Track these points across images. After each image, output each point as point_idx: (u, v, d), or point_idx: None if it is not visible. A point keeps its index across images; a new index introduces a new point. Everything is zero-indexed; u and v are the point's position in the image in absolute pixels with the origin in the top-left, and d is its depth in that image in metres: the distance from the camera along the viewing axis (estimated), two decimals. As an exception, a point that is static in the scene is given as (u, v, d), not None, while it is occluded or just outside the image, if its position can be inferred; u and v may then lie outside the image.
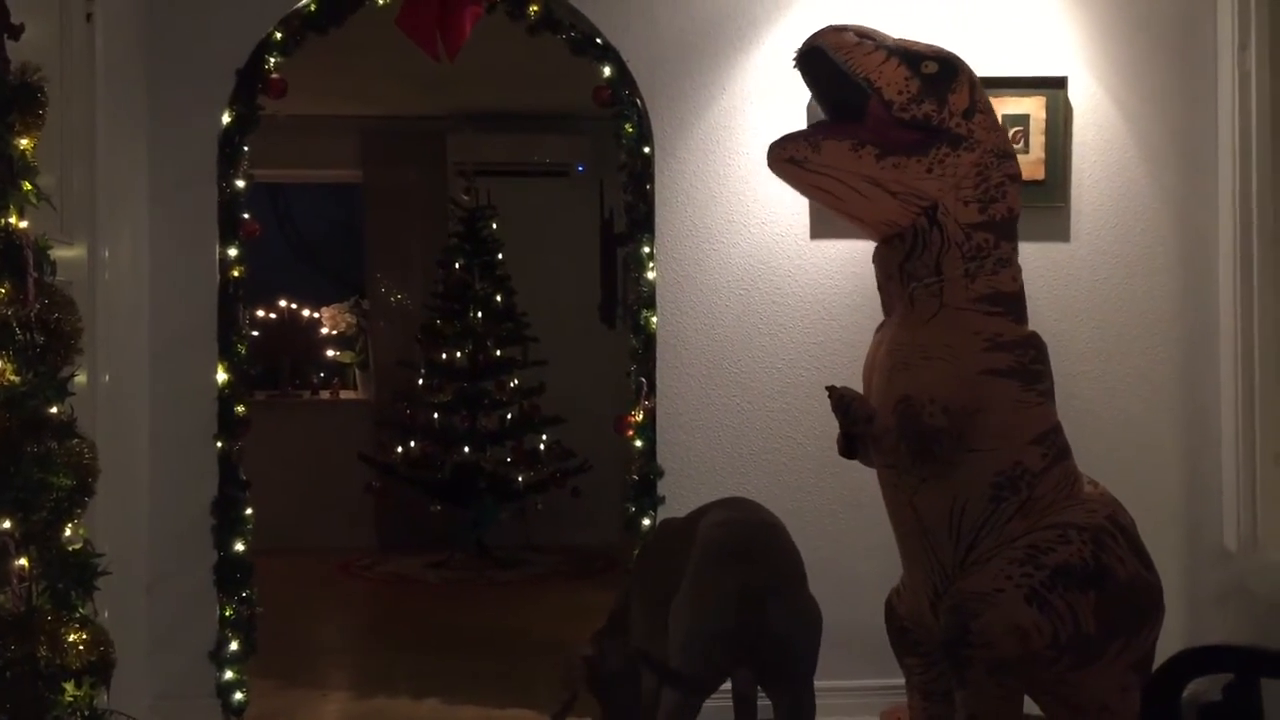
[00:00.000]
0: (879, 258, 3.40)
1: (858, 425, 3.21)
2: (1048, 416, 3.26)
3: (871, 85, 3.21)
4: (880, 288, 3.43)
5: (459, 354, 6.76)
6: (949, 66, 3.27)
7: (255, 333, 6.41)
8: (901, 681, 3.57)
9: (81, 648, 2.08)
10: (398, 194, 7.48)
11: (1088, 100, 4.11)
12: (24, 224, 2.13)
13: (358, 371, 7.88)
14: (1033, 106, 4.08)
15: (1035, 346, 3.28)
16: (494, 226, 6.95)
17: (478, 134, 7.36)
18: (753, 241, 4.05)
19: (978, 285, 3.23)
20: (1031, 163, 4.06)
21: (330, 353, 7.88)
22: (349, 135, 7.48)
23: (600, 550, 6.67)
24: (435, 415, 6.76)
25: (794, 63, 3.33)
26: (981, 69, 4.03)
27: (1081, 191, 4.12)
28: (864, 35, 3.28)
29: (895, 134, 3.21)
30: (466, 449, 6.62)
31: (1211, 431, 4.09)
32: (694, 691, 2.66)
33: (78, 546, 2.15)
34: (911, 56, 3.24)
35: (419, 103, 7.12)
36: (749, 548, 2.67)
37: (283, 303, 8.05)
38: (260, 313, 7.72)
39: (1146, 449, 4.10)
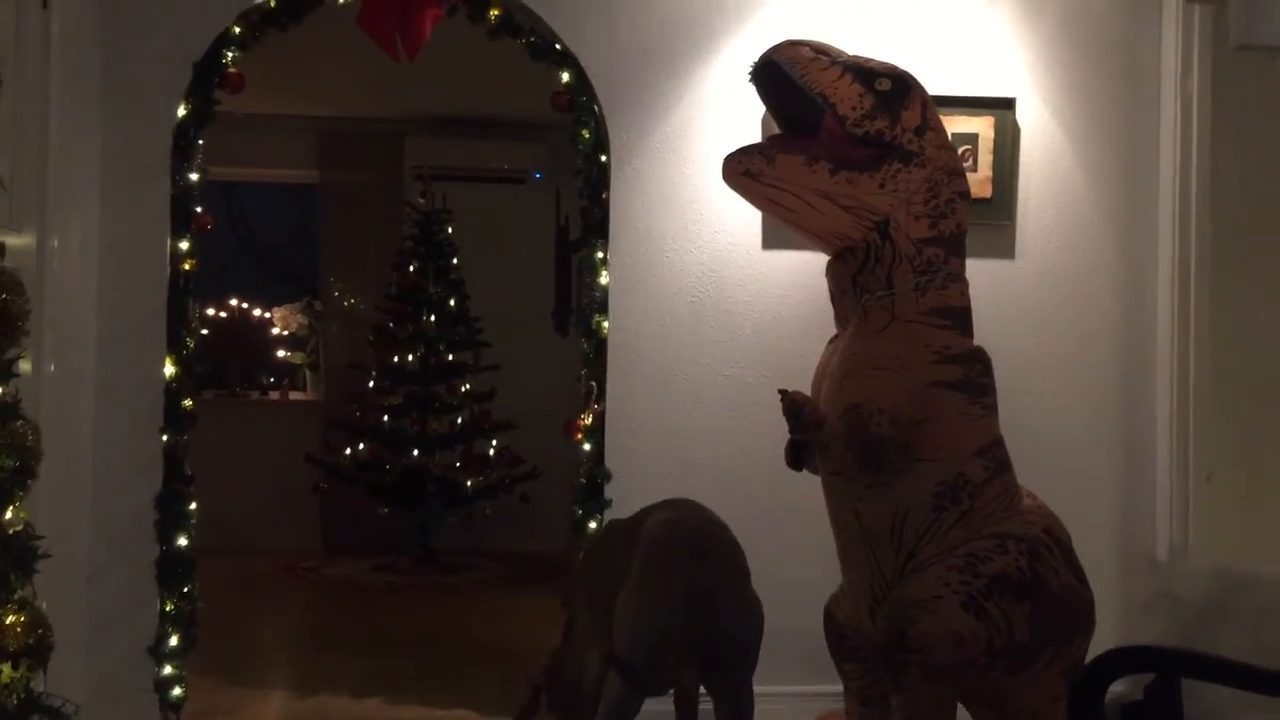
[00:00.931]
0: (831, 271, 3.46)
1: (807, 430, 3.26)
2: (991, 430, 3.32)
3: (826, 100, 3.27)
4: (833, 300, 3.49)
5: (411, 357, 6.76)
6: (902, 84, 3.34)
7: (205, 331, 6.39)
8: (838, 688, 3.62)
9: (19, 630, 2.07)
10: (354, 196, 7.47)
11: (1035, 121, 4.20)
12: (-28, 203, 2.12)
13: (308, 373, 7.84)
14: (982, 126, 4.16)
15: (981, 360, 3.35)
16: (449, 230, 6.96)
17: (436, 138, 7.38)
18: (705, 250, 4.10)
19: (928, 299, 3.30)
20: (979, 181, 4.14)
21: (281, 353, 7.84)
22: (307, 135, 7.46)
23: (548, 557, 6.67)
24: (385, 418, 6.74)
25: (749, 76, 3.39)
26: (932, 88, 4.10)
27: (1027, 210, 4.21)
28: (820, 51, 3.34)
29: (848, 149, 3.27)
30: (416, 452, 6.61)
31: (1146, 448, 4.19)
32: (639, 686, 2.68)
33: (18, 529, 2.14)
34: (866, 73, 3.31)
35: (378, 105, 7.13)
36: (695, 546, 2.71)
37: (234, 302, 7.99)
38: (211, 311, 7.67)
39: (1083, 464, 4.18)
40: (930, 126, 3.35)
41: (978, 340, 3.37)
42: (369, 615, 5.85)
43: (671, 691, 3.06)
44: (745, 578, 2.75)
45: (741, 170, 3.33)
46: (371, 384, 6.86)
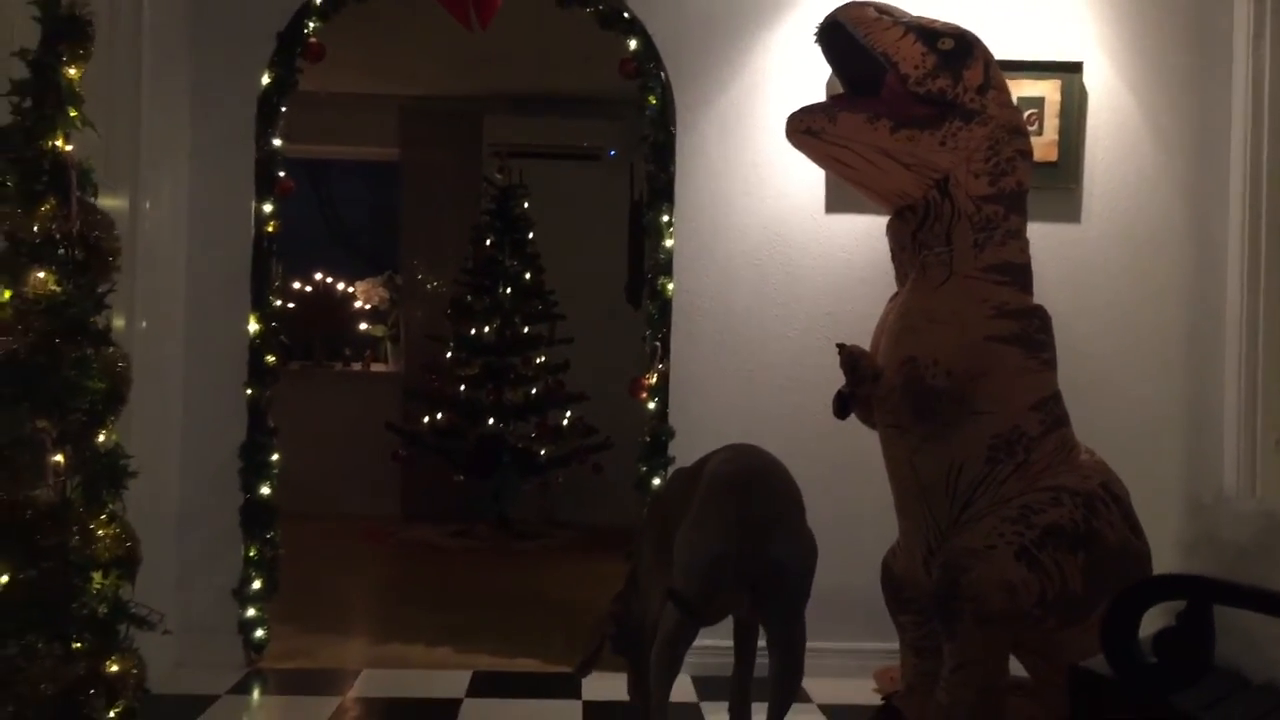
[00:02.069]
0: (892, 229, 3.51)
1: (864, 383, 3.33)
2: (1048, 384, 3.36)
3: (889, 59, 3.33)
4: (894, 258, 3.55)
5: (487, 329, 6.91)
6: (965, 43, 3.38)
7: (290, 305, 6.61)
8: (894, 645, 3.68)
9: (109, 541, 2.23)
10: (433, 173, 7.63)
11: (1102, 85, 4.19)
12: (69, 147, 2.29)
13: (389, 345, 8.05)
14: (1048, 89, 4.16)
15: (1040, 317, 3.38)
16: (525, 206, 7.10)
17: (514, 116, 7.52)
18: (769, 213, 4.17)
19: (986, 255, 3.34)
20: (1045, 145, 4.16)
21: (363, 326, 8.06)
22: (389, 114, 7.64)
23: (620, 528, 6.76)
24: (462, 388, 6.90)
25: (815, 37, 3.46)
26: (999, 52, 4.13)
27: (1094, 174, 4.21)
28: (883, 11, 3.40)
29: (910, 108, 3.32)
30: (491, 422, 6.76)
31: (1214, 413, 4.17)
32: (693, 613, 2.77)
33: (110, 448, 2.30)
34: (929, 33, 3.36)
35: (458, 83, 7.29)
36: (750, 482, 2.79)
37: (319, 276, 8.23)
38: (296, 285, 7.91)
39: (1150, 427, 4.18)
40: (993, 85, 3.39)
41: (1043, 303, 3.41)
42: (444, 574, 6.02)
43: (732, 628, 3.15)
44: (800, 513, 2.82)
45: (804, 128, 3.41)
46: (449, 355, 7.03)
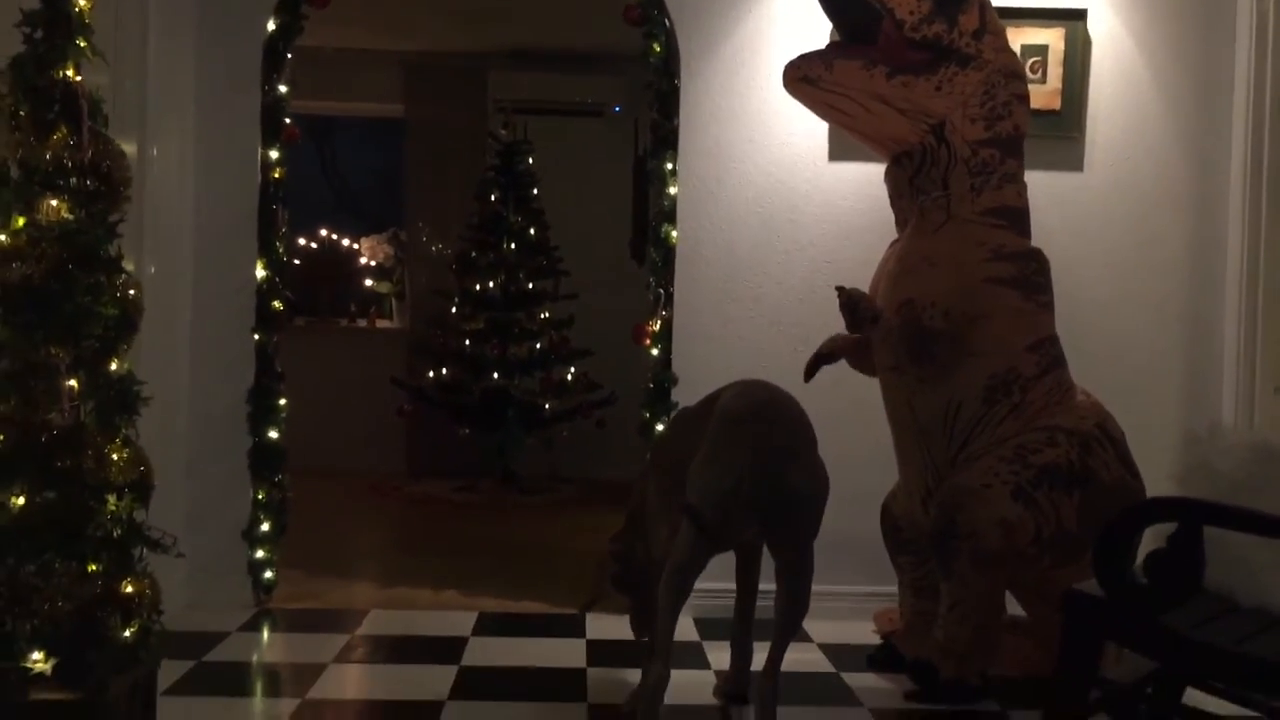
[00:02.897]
0: (890, 175, 3.55)
1: (863, 324, 3.37)
2: (1045, 326, 3.40)
3: (884, 6, 3.35)
4: (892, 204, 3.58)
5: (492, 284, 6.93)
6: None
7: (296, 261, 6.63)
8: (893, 588, 3.74)
9: (124, 465, 2.28)
10: (438, 129, 7.63)
11: (1106, 33, 4.20)
12: (79, 77, 2.32)
13: (394, 301, 8.08)
14: (1051, 38, 4.17)
15: (1037, 259, 3.42)
16: (530, 161, 7.11)
17: (518, 72, 7.51)
18: (772, 161, 4.19)
19: (983, 199, 3.38)
20: (1048, 93, 4.17)
21: (368, 282, 8.09)
22: (393, 70, 7.63)
23: (623, 483, 6.81)
24: (467, 343, 6.94)
25: None
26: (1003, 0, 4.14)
27: (1096, 123, 4.22)
28: None
29: (906, 54, 3.35)
30: (496, 376, 6.80)
31: (1215, 360, 4.21)
32: (709, 534, 2.80)
33: (123, 374, 2.34)
34: None
35: (462, 39, 7.28)
36: (762, 413, 2.83)
37: (324, 233, 8.26)
38: (301, 242, 7.93)
39: (1150, 374, 4.22)
40: (989, 30, 3.41)
41: (1046, 251, 3.44)
42: (449, 525, 6.09)
43: (735, 569, 3.20)
44: (812, 444, 2.86)
45: (800, 76, 3.43)
46: (454, 310, 7.06)
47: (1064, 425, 3.30)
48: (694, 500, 2.79)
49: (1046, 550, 3.23)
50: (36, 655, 2.23)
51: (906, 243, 3.45)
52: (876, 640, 3.76)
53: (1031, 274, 3.38)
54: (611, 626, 3.84)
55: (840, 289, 3.38)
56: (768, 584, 3.02)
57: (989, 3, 3.43)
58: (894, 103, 3.36)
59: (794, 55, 3.50)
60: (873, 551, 3.76)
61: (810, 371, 3.53)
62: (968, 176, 3.37)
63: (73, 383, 2.26)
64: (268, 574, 4.16)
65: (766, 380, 3.06)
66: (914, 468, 3.44)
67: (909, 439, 3.42)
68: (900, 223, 3.58)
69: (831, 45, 3.55)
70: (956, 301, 3.27)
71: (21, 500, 2.23)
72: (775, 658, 2.90)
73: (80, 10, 2.32)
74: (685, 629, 3.80)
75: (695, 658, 3.65)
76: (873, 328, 3.36)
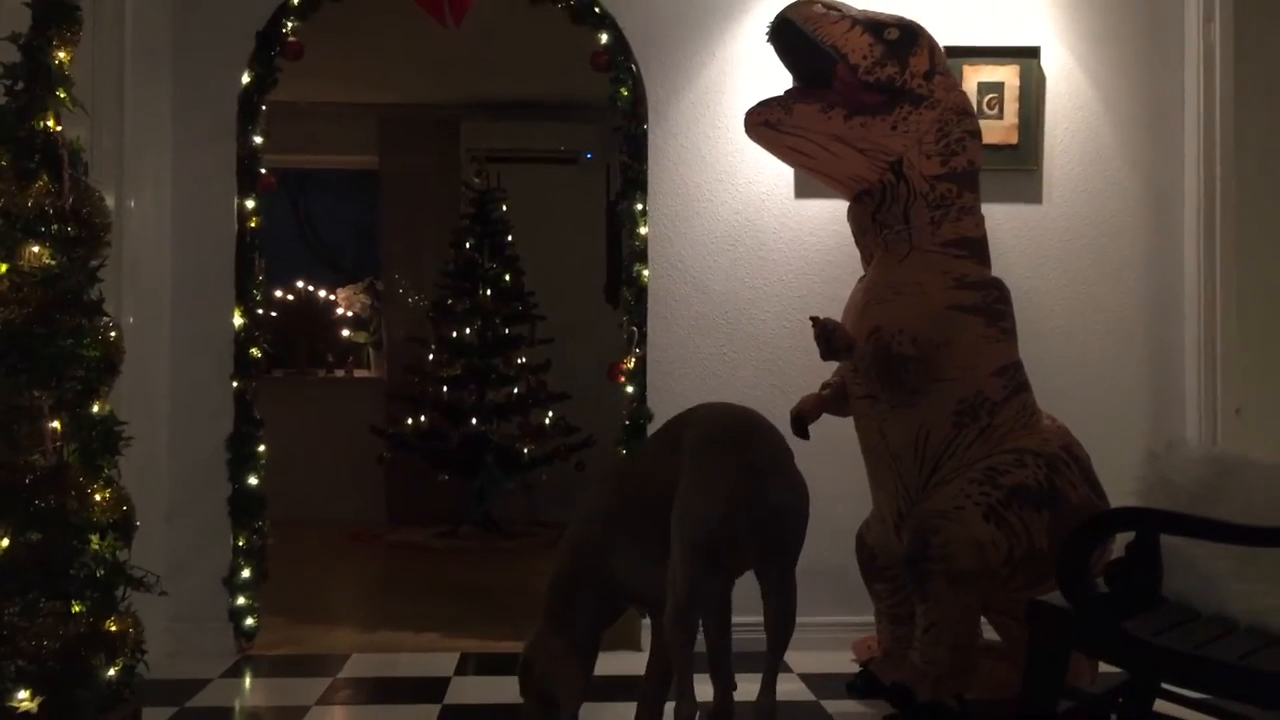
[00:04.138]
0: (852, 213, 3.65)
1: (838, 353, 3.44)
2: (1009, 352, 3.48)
3: (838, 51, 3.47)
4: (857, 242, 3.68)
5: (468, 330, 6.99)
6: (909, 32, 3.53)
7: (273, 314, 6.68)
8: (869, 618, 3.78)
9: (106, 505, 2.32)
10: (413, 180, 7.73)
11: (1059, 68, 4.33)
12: (60, 127, 2.38)
13: (371, 351, 8.12)
14: (1007, 74, 4.30)
15: (998, 288, 3.51)
16: (504, 209, 7.20)
17: (491, 121, 7.63)
18: (740, 199, 4.29)
19: (944, 231, 3.47)
20: (1005, 128, 4.30)
21: (345, 332, 8.13)
22: (367, 123, 7.74)
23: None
24: (445, 389, 6.98)
25: (767, 36, 3.59)
26: (959, 38, 4.30)
27: (1053, 155, 4.34)
28: (830, 7, 3.54)
29: (861, 96, 3.47)
30: (474, 421, 6.84)
31: (1176, 384, 4.30)
32: (715, 568, 2.80)
33: (104, 415, 2.39)
34: (875, 25, 3.51)
35: (434, 91, 7.40)
36: (740, 434, 2.85)
37: (300, 284, 8.31)
38: (278, 294, 7.97)
39: (1114, 400, 4.31)
40: (939, 71, 3.53)
41: (1007, 281, 3.53)
42: (431, 570, 6.10)
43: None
44: (791, 458, 2.90)
45: (762, 121, 3.53)
46: (431, 357, 7.11)
47: (1031, 447, 3.37)
48: (690, 535, 2.78)
49: (1018, 570, 3.29)
50: (23, 694, 2.25)
51: (873, 275, 3.54)
52: (855, 669, 3.79)
53: (994, 301, 3.47)
54: (601, 663, 3.86)
55: (815, 319, 3.45)
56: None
57: (938, 46, 3.56)
58: (853, 143, 3.46)
59: (756, 99, 3.59)
60: (850, 582, 3.81)
61: (799, 428, 3.60)
62: (927, 210, 3.47)
63: (55, 424, 2.30)
64: (249, 620, 4.17)
65: (726, 401, 3.11)
66: (886, 493, 3.50)
67: (882, 466, 3.49)
68: (866, 259, 3.67)
69: (789, 91, 3.63)
70: (924, 327, 3.35)
71: (5, 541, 2.26)
72: (771, 675, 2.92)
73: (60, 63, 2.39)
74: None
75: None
76: (847, 356, 3.44)
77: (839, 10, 3.53)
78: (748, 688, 2.95)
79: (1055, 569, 3.32)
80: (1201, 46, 4.26)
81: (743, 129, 3.68)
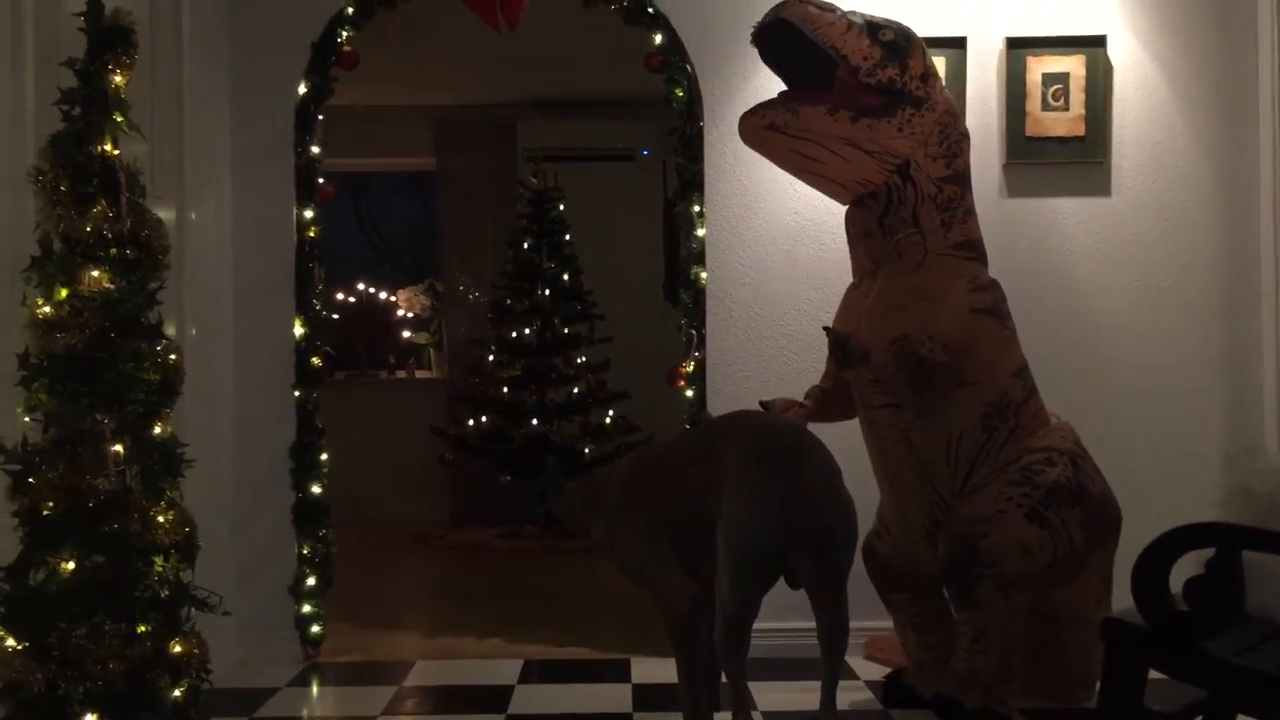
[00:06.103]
0: (852, 217, 3.56)
1: (855, 362, 3.37)
2: (1020, 353, 3.46)
3: (839, 53, 3.38)
4: (853, 245, 3.58)
5: (528, 331, 7.00)
6: (904, 34, 3.46)
7: (335, 316, 6.73)
8: (877, 622, 3.71)
9: (169, 526, 2.33)
10: (470, 180, 7.75)
11: (1127, 57, 4.21)
12: (117, 151, 2.39)
13: (432, 352, 8.16)
14: (1072, 65, 4.19)
15: (999, 288, 3.48)
16: (561, 208, 7.19)
17: (546, 120, 7.62)
18: (798, 199, 4.22)
19: (953, 233, 3.42)
20: (1072, 120, 4.19)
21: (406, 334, 8.18)
22: (424, 125, 7.77)
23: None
24: (505, 390, 6.99)
25: (753, 37, 3.47)
26: (1022, 29, 4.20)
27: (1122, 147, 4.23)
28: (823, 7, 3.44)
29: (862, 98, 3.39)
30: (535, 421, 6.85)
31: (1253, 384, 4.17)
32: (759, 587, 2.81)
33: (166, 437, 2.40)
34: (870, 26, 3.43)
35: (490, 91, 7.40)
36: (790, 450, 2.85)
37: (361, 287, 8.37)
38: (340, 296, 8.04)
39: (1189, 397, 4.19)
40: (932, 73, 3.49)
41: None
42: (494, 572, 6.12)
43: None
44: (839, 478, 2.88)
45: (766, 124, 3.42)
46: (491, 358, 7.13)
47: (1054, 445, 3.38)
48: (745, 556, 2.78)
49: (1060, 569, 3.25)
50: (90, 718, 2.27)
51: (886, 281, 3.44)
52: (876, 670, 3.77)
53: (1001, 302, 3.43)
54: (657, 670, 3.85)
55: (828, 329, 3.41)
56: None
57: (925, 48, 3.48)
58: (862, 145, 3.38)
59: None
60: (859, 589, 3.71)
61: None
62: (936, 212, 3.40)
63: (118, 448, 2.32)
64: (315, 628, 4.20)
65: (759, 410, 3.08)
66: (914, 502, 3.41)
67: (908, 474, 3.40)
68: (860, 264, 3.57)
69: (788, 93, 3.50)
70: (951, 332, 3.29)
71: (71, 564, 2.28)
72: (831, 688, 2.91)
73: (116, 87, 2.40)
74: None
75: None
76: (864, 364, 3.36)
77: (834, 10, 3.44)
78: (800, 698, 2.92)
79: (1085, 567, 3.29)
80: (1275, 31, 4.11)
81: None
